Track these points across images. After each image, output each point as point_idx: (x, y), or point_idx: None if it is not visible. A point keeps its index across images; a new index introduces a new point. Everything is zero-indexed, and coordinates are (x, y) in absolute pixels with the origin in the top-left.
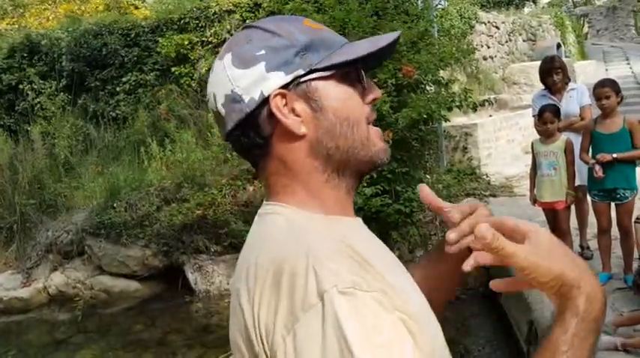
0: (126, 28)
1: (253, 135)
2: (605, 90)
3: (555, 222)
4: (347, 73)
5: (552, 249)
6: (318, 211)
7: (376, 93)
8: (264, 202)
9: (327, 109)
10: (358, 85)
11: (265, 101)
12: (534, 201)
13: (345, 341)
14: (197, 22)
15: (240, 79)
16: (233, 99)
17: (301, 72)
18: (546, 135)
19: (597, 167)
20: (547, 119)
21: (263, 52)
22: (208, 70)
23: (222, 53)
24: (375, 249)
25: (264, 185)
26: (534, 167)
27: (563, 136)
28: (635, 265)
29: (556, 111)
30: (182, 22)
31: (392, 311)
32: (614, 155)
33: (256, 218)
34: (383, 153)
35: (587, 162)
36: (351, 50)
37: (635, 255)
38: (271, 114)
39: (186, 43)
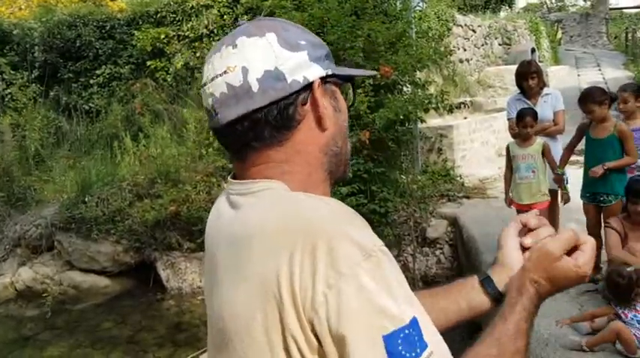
0: (101, 20)
1: (286, 116)
2: (588, 106)
3: (548, 220)
4: (343, 88)
5: (549, 253)
6: None
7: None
8: (236, 181)
9: (342, 112)
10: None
11: (306, 87)
12: (510, 202)
13: (389, 291)
14: (174, 15)
15: (286, 59)
16: (275, 76)
17: (330, 72)
18: (524, 138)
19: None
20: (528, 123)
21: (304, 42)
22: (184, 65)
23: (259, 31)
24: None
25: (251, 171)
26: (510, 169)
27: (540, 139)
28: (603, 268)
29: (535, 114)
30: (159, 15)
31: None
32: (607, 165)
33: (236, 198)
34: (349, 169)
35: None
36: (351, 70)
37: (604, 257)
38: (306, 101)
39: (162, 36)
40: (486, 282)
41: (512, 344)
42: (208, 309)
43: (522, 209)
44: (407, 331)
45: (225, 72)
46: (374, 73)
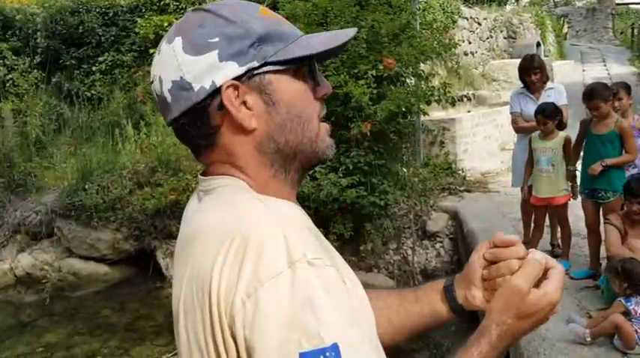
0: (104, 7)
1: (200, 124)
2: (593, 103)
3: (557, 216)
4: (300, 67)
5: (515, 293)
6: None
7: (327, 88)
8: (203, 178)
9: (281, 104)
10: (310, 81)
11: (216, 91)
12: (528, 196)
13: (311, 306)
14: (177, 3)
15: (190, 65)
16: (181, 86)
17: (255, 64)
18: (546, 131)
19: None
20: (539, 121)
21: (217, 39)
22: None
23: (172, 36)
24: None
25: (209, 169)
26: (530, 162)
27: (563, 133)
28: (603, 265)
29: (550, 112)
30: (162, 2)
31: (347, 288)
32: (607, 161)
33: (201, 194)
34: (329, 150)
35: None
36: (307, 44)
37: (603, 254)
38: (221, 106)
39: (165, 24)
40: (448, 290)
41: None
42: None
43: (539, 203)
44: (327, 354)
45: (152, 81)
46: (343, 38)
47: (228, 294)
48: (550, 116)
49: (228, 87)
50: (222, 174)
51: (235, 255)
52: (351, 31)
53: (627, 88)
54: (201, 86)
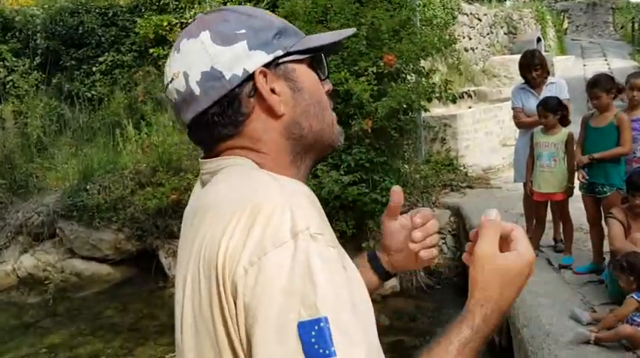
0: (103, 7)
1: (232, 112)
2: (594, 91)
3: (558, 212)
4: (312, 60)
5: (505, 274)
6: None
7: (329, 85)
8: (207, 159)
9: (304, 90)
10: (317, 74)
11: (248, 79)
12: (530, 191)
13: (310, 277)
14: (177, 3)
15: (221, 55)
16: (212, 76)
17: (280, 53)
18: (547, 127)
19: (582, 172)
20: (539, 114)
21: (244, 30)
22: None
23: (196, 31)
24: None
25: (212, 156)
26: (532, 157)
27: (566, 129)
28: (606, 259)
29: (551, 106)
30: (161, 2)
31: (345, 269)
32: (594, 155)
33: (206, 177)
34: (341, 137)
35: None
36: (318, 38)
37: (606, 248)
38: (252, 93)
39: (165, 24)
40: (372, 260)
41: None
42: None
43: (540, 199)
44: (322, 325)
45: (172, 79)
46: (348, 33)
47: (232, 262)
48: (551, 109)
49: (260, 73)
50: (234, 155)
51: (244, 226)
52: (352, 30)
53: None
54: (233, 74)
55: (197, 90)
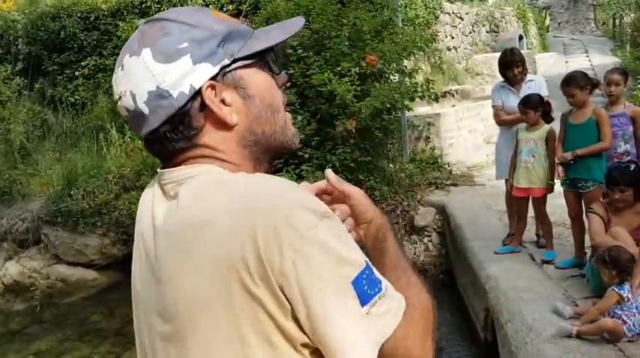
0: (85, 11)
1: (183, 129)
2: (568, 89)
3: (534, 208)
4: (262, 60)
5: (366, 197)
6: None
7: (283, 78)
8: (167, 170)
9: (255, 96)
10: (269, 71)
11: (196, 94)
12: (511, 186)
13: (345, 243)
14: (159, 6)
15: (165, 74)
16: (159, 95)
17: (226, 62)
18: (530, 123)
19: (559, 169)
20: (520, 111)
21: (186, 44)
22: None
23: (137, 48)
24: None
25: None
26: (516, 153)
27: (547, 126)
28: (588, 254)
29: (533, 102)
30: (143, 5)
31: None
32: (577, 152)
33: (169, 187)
34: (295, 138)
35: (559, 161)
36: (266, 37)
37: (587, 243)
38: (202, 107)
39: None
40: None
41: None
42: (139, 307)
43: (519, 194)
44: (367, 272)
45: (120, 97)
46: (298, 26)
47: (272, 263)
48: (532, 107)
49: (207, 87)
50: (197, 163)
51: (266, 231)
52: (301, 20)
53: (624, 74)
54: (180, 91)
55: (145, 110)
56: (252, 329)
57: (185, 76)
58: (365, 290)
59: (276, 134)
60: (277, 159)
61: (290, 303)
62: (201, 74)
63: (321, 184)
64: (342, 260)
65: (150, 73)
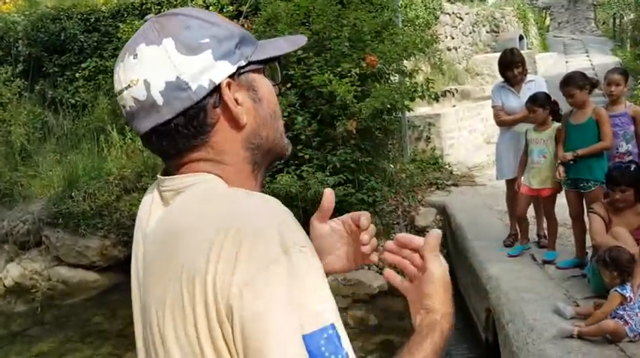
0: (85, 13)
1: (197, 124)
2: (567, 89)
3: (544, 207)
4: (266, 67)
5: (445, 282)
6: None
7: (276, 89)
8: (168, 177)
9: (263, 100)
10: (270, 80)
11: (213, 90)
12: (519, 186)
13: (308, 289)
14: (159, 7)
15: (186, 66)
16: (177, 86)
17: (243, 63)
18: (538, 123)
19: (561, 168)
20: (528, 109)
21: (207, 40)
22: None
23: (156, 38)
24: None
25: (180, 170)
26: (526, 153)
27: (556, 125)
28: (589, 254)
29: (541, 100)
30: (144, 7)
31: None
32: (578, 152)
33: (168, 194)
34: (289, 146)
35: (560, 160)
36: (274, 46)
37: (588, 243)
38: (218, 104)
39: None
40: None
41: None
42: (136, 310)
43: (530, 194)
44: (330, 332)
45: (129, 86)
46: (302, 42)
47: (224, 286)
48: (540, 104)
49: (227, 83)
50: (199, 171)
51: (230, 248)
52: (304, 39)
53: (624, 74)
54: (199, 84)
55: (160, 100)
56: (211, 348)
57: (206, 70)
58: (321, 352)
59: (277, 140)
60: (271, 166)
61: (233, 337)
62: (220, 70)
63: (415, 242)
64: (298, 309)
65: (170, 62)
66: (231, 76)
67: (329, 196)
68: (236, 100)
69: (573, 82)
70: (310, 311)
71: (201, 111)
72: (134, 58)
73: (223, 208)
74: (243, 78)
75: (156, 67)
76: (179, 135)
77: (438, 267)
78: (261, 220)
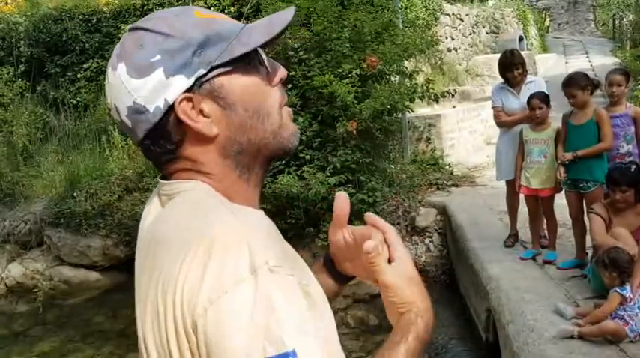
0: (87, 14)
1: (163, 142)
2: (569, 89)
3: (543, 207)
4: (249, 62)
5: (412, 277)
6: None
7: (282, 73)
8: (164, 181)
9: (237, 104)
10: (262, 69)
11: (171, 108)
12: (519, 187)
13: (273, 312)
14: (160, 8)
15: (139, 89)
16: (136, 110)
17: (202, 71)
18: (536, 122)
19: (562, 169)
20: (535, 105)
21: (158, 57)
22: None
23: (115, 62)
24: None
25: (172, 177)
26: (522, 154)
27: (554, 124)
28: (589, 254)
29: (545, 97)
30: (145, 8)
31: (305, 296)
32: (577, 153)
33: (164, 199)
34: (294, 138)
35: (560, 160)
36: (249, 38)
37: (589, 243)
38: (180, 120)
39: None
40: (328, 266)
41: None
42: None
43: (530, 194)
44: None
45: (109, 109)
46: (284, 20)
47: (191, 301)
48: (545, 101)
49: (181, 101)
50: (187, 178)
51: (199, 261)
52: (290, 12)
53: (626, 75)
54: (155, 106)
55: (129, 123)
56: (179, 357)
57: (158, 90)
58: None
59: (266, 140)
60: (276, 161)
61: (198, 348)
62: (174, 87)
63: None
64: (260, 331)
65: (125, 88)
66: (191, 88)
67: (339, 203)
68: (202, 111)
69: (575, 82)
70: (272, 335)
71: (164, 131)
72: (107, 82)
73: (199, 220)
74: (207, 86)
75: (117, 93)
76: (154, 152)
77: (386, 277)
78: (234, 235)
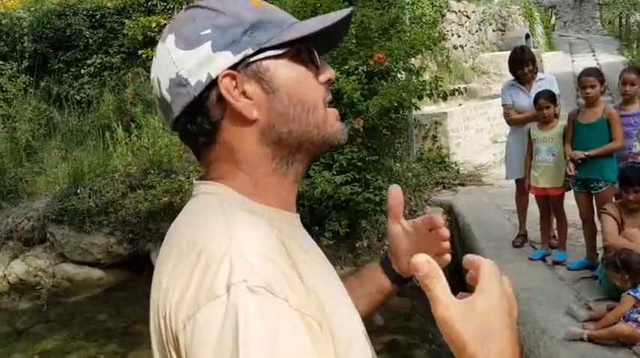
0: (91, 9)
1: (201, 120)
2: (590, 79)
3: (553, 207)
4: (298, 52)
5: (488, 314)
6: (258, 200)
7: (330, 73)
8: (196, 181)
9: (281, 91)
10: (311, 66)
11: (213, 83)
12: (529, 187)
13: (237, 337)
14: (165, 3)
15: (185, 61)
16: (178, 83)
17: (250, 51)
18: (543, 121)
19: (571, 165)
20: (542, 105)
21: (209, 31)
22: None
23: (165, 35)
24: (307, 250)
25: (206, 171)
26: (530, 153)
27: (562, 122)
28: (600, 255)
29: (551, 96)
30: (149, 3)
31: (297, 318)
32: (587, 153)
33: (191, 199)
34: (341, 134)
35: (571, 157)
36: (301, 28)
37: (599, 244)
38: (220, 98)
39: (153, 25)
40: (386, 264)
41: None
42: None
43: (538, 193)
44: None
45: (152, 86)
46: (339, 16)
47: (176, 314)
48: (552, 100)
49: (224, 76)
50: (215, 178)
51: (188, 272)
52: (346, 10)
53: (639, 73)
54: (197, 80)
55: (168, 98)
56: None
57: (203, 63)
58: None
59: (309, 134)
60: (321, 154)
61: None
62: (219, 62)
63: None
64: (222, 353)
65: (171, 59)
66: (237, 67)
67: (393, 192)
68: (244, 93)
69: (598, 73)
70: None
71: (203, 107)
72: (155, 56)
73: (196, 229)
74: (253, 67)
75: (162, 65)
76: (190, 134)
77: (438, 308)
78: (220, 250)
